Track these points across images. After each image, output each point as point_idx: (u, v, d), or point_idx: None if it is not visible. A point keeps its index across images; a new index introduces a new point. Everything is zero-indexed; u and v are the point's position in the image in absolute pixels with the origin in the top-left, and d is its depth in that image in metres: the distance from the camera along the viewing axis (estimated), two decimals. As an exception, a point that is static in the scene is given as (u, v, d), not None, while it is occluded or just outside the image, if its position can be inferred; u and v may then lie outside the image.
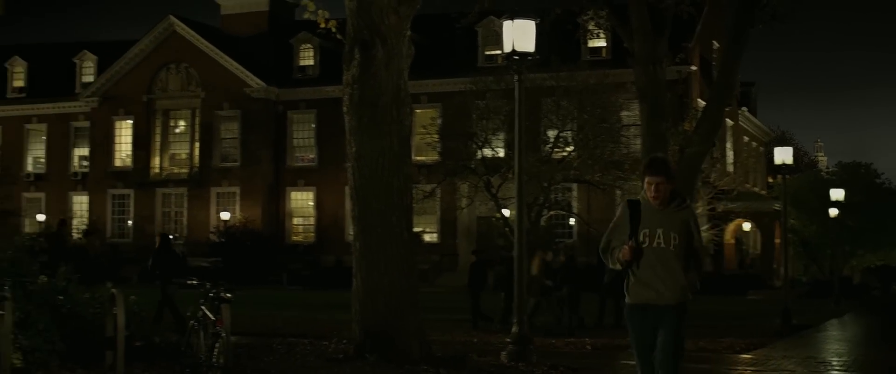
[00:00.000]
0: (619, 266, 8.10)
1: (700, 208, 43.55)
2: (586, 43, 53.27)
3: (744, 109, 63.73)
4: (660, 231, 8.00)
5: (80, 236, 57.58)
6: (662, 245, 7.99)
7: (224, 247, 55.74)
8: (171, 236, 23.49)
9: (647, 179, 8.05)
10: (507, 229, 36.07)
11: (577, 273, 25.04)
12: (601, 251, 8.24)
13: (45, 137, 66.36)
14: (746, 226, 57.48)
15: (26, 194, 64.47)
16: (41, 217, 63.42)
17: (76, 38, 74.81)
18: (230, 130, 61.29)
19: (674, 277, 8.02)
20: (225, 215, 58.83)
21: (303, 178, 60.34)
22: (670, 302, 8.03)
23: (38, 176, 65.69)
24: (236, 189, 60.35)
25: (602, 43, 54.23)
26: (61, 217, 34.96)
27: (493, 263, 28.93)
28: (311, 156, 60.53)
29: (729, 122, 56.63)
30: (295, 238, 60.60)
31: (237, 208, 59.75)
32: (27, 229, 58.21)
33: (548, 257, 25.62)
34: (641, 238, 7.99)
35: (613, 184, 40.36)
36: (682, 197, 8.20)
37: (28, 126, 66.61)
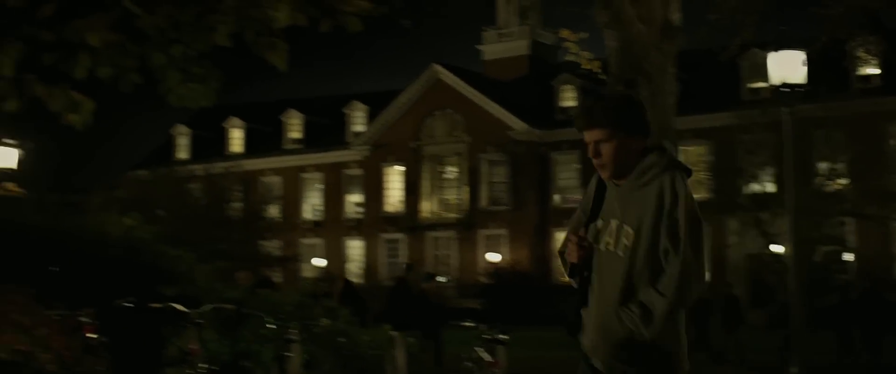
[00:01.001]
0: (573, 282, 5.11)
1: None
2: (855, 71, 51.43)
3: None
4: (613, 224, 4.84)
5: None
6: (611, 248, 4.80)
7: (493, 288, 56.48)
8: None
9: (585, 138, 4.98)
10: (778, 265, 35.13)
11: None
12: (559, 255, 5.34)
13: (320, 186, 69.06)
14: None
15: (304, 240, 67.16)
16: (318, 262, 65.98)
17: (346, 90, 77.82)
18: (496, 174, 62.16)
19: (609, 307, 4.73)
20: (494, 257, 59.65)
21: (568, 218, 60.36)
22: (602, 357, 4.75)
23: (315, 223, 68.40)
24: (503, 231, 61.06)
25: (874, 70, 52.14)
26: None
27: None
28: (577, 197, 60.54)
29: None
30: (563, 279, 60.59)
31: (505, 249, 60.45)
32: (306, 274, 60.77)
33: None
34: (593, 235, 4.95)
35: (891, 217, 38.71)
36: (662, 155, 4.79)
37: (304, 175, 69.50)
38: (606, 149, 4.86)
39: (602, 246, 4.85)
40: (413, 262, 40.72)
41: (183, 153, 72.44)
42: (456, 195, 63.36)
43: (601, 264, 4.84)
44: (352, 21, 7.25)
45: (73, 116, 6.89)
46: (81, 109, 6.86)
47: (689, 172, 4.76)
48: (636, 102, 4.98)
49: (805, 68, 14.97)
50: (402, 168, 64.68)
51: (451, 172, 64.00)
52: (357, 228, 66.34)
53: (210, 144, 71.14)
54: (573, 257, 5.02)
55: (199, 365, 9.95)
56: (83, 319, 10.74)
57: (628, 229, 4.71)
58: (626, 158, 4.82)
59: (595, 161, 4.94)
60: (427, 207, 63.82)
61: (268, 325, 10.84)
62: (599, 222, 4.93)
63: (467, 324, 12.48)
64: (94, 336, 10.65)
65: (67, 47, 6.83)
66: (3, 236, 12.16)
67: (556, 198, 61.07)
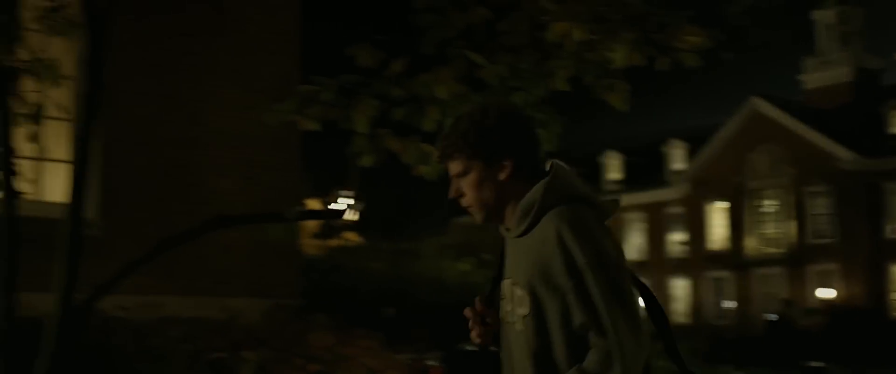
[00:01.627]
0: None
1: None
2: None
3: None
4: (506, 284, 3.44)
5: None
6: (509, 319, 3.38)
7: (827, 326, 54.24)
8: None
9: None
10: None
11: None
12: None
13: (641, 225, 68.68)
14: None
15: (627, 281, 66.86)
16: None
17: (660, 127, 77.46)
18: (821, 206, 59.87)
19: None
20: (826, 293, 57.27)
21: (904, 251, 57.45)
22: None
23: (638, 263, 67.96)
24: (833, 266, 58.61)
25: None
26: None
27: None
28: (912, 228, 57.50)
29: None
30: (902, 314, 57.63)
31: (838, 285, 57.99)
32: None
33: None
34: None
35: None
36: (542, 185, 3.29)
37: (625, 215, 69.29)
38: (466, 185, 3.44)
39: (503, 315, 3.45)
40: (791, 299, 39.54)
41: (503, 198, 73.83)
42: (777, 229, 61.42)
43: (506, 339, 3.45)
44: (689, 57, 7.22)
45: (424, 168, 7.19)
46: (432, 161, 7.14)
47: (589, 201, 3.33)
48: (496, 114, 3.41)
49: None
50: (726, 204, 63.43)
51: (772, 205, 62.14)
52: (681, 266, 65.52)
53: (529, 188, 72.27)
54: (474, 336, 3.54)
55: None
56: (430, 362, 11.11)
57: (520, 292, 3.31)
58: (498, 195, 3.40)
59: (461, 203, 3.53)
60: (751, 243, 62.23)
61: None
62: (504, 283, 3.48)
63: (818, 366, 12.01)
64: (441, 379, 10.99)
65: (416, 101, 7.15)
66: (351, 284, 12.78)
67: (890, 230, 58.14)
